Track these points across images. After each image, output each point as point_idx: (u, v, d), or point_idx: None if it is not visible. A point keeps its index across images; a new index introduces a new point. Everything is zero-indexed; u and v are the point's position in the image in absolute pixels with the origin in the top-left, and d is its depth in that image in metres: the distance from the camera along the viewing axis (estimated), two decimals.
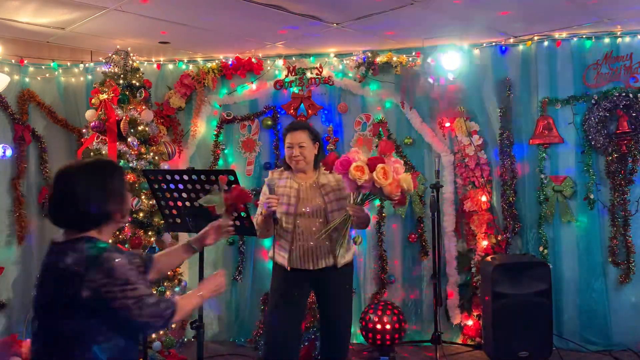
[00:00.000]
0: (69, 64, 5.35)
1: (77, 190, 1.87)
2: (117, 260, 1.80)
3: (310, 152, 3.29)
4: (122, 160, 4.41)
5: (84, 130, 4.80)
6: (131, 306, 1.77)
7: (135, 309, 1.77)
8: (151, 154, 4.61)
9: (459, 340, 4.92)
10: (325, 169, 3.23)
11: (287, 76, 5.18)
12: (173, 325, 4.50)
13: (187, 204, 2.77)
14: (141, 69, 4.75)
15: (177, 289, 4.58)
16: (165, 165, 4.93)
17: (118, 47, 4.63)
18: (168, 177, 2.76)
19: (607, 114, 4.56)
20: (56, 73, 5.32)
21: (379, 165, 2.81)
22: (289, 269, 3.22)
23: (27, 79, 5.16)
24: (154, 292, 4.34)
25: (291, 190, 3.24)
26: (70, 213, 1.88)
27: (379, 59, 4.99)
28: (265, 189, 3.31)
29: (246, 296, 5.17)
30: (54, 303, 1.78)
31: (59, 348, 1.78)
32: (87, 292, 1.74)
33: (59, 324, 1.78)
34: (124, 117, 4.43)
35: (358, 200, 3.07)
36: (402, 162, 3.17)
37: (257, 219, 3.20)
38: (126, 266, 1.81)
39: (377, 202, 4.98)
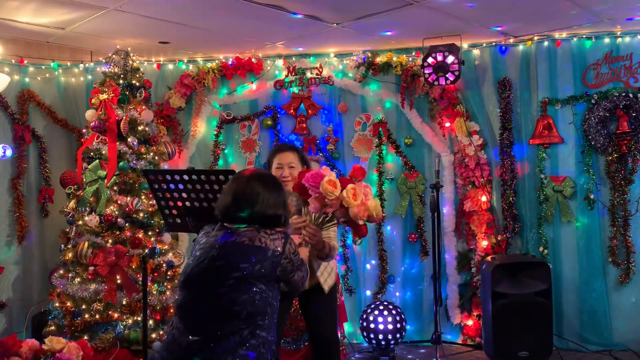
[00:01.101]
0: (69, 64, 5.35)
1: (282, 196, 2.36)
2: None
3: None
4: (122, 160, 4.41)
5: (84, 130, 4.80)
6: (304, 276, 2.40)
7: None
8: (151, 154, 4.61)
9: (459, 340, 4.92)
10: (293, 190, 2.85)
11: (287, 76, 5.18)
12: None
13: (187, 204, 2.77)
14: (141, 69, 4.75)
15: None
16: (165, 165, 4.93)
17: (118, 47, 4.62)
18: (168, 177, 2.76)
19: (607, 114, 4.56)
20: (56, 73, 5.32)
21: (350, 185, 2.67)
22: None
23: (27, 79, 5.16)
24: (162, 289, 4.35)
25: None
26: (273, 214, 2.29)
27: (379, 59, 4.99)
28: None
29: None
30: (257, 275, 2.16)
31: (246, 319, 2.10)
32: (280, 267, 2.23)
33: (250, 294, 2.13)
34: (124, 117, 4.43)
35: (319, 221, 2.75)
36: (371, 188, 2.95)
37: None
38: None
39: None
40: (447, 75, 4.58)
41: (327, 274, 3.18)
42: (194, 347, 2.05)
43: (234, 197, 2.23)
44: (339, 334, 3.36)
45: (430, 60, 4.57)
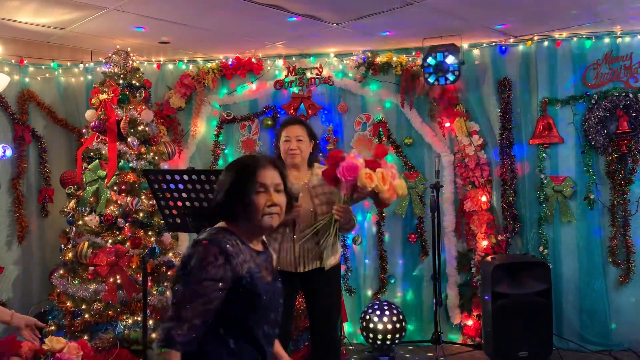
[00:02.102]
0: (69, 64, 5.35)
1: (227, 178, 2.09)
2: None
3: (306, 148, 3.20)
4: (122, 160, 4.42)
5: (84, 130, 4.80)
6: None
7: None
8: (151, 154, 4.62)
9: (459, 340, 4.92)
10: (327, 162, 3.09)
11: (287, 76, 5.18)
12: None
13: (187, 204, 2.77)
14: (141, 69, 4.76)
15: None
16: (165, 165, 4.93)
17: (118, 47, 4.63)
18: (168, 177, 2.76)
19: (607, 114, 4.56)
20: (56, 73, 5.33)
21: (379, 170, 2.83)
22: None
23: (27, 79, 5.16)
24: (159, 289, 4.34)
25: None
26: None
27: (379, 59, 4.99)
28: None
29: None
30: None
31: None
32: None
33: None
34: (124, 117, 4.43)
35: (348, 200, 3.00)
36: (395, 166, 3.14)
37: None
38: None
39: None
40: (447, 75, 4.59)
41: (332, 253, 3.20)
42: None
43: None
44: (341, 329, 3.39)
45: (430, 60, 4.57)
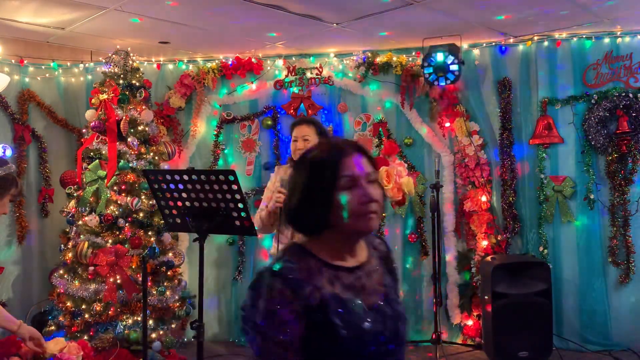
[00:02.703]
0: (69, 64, 5.35)
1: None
2: None
3: None
4: (122, 160, 4.42)
5: (84, 130, 4.80)
6: None
7: None
8: (151, 154, 4.62)
9: (459, 340, 4.92)
10: None
11: (287, 76, 5.18)
12: (173, 325, 4.50)
13: (187, 204, 2.77)
14: (141, 69, 4.75)
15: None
16: (165, 165, 4.93)
17: (118, 47, 4.62)
18: (168, 177, 2.76)
19: (607, 114, 4.56)
20: (56, 73, 5.32)
21: (383, 168, 2.85)
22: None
23: (27, 79, 5.16)
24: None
25: None
26: None
27: (379, 59, 4.99)
28: (269, 184, 3.32)
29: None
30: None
31: None
32: None
33: None
34: (124, 117, 4.43)
35: None
36: (405, 164, 3.18)
37: (260, 214, 3.18)
38: None
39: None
40: (447, 75, 4.59)
41: None
42: None
43: None
44: None
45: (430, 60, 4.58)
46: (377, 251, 1.62)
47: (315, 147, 1.56)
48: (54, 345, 3.32)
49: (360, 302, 1.45)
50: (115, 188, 4.39)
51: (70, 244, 4.44)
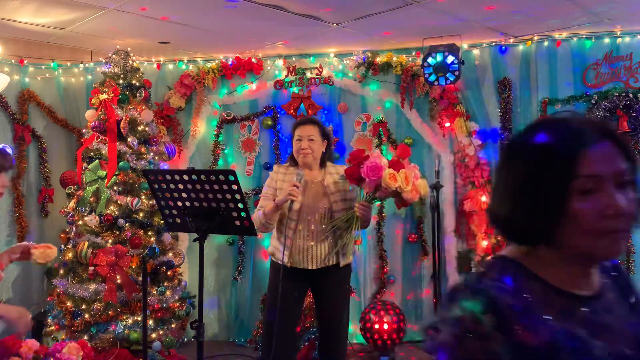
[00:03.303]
0: (69, 64, 5.35)
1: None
2: None
3: (318, 147, 3.26)
4: (122, 160, 4.42)
5: (84, 130, 4.80)
6: None
7: None
8: (151, 154, 4.62)
9: None
10: (349, 160, 3.19)
11: (287, 76, 5.18)
12: (173, 325, 4.50)
13: (187, 204, 2.77)
14: (141, 69, 4.75)
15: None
16: (165, 165, 4.93)
17: (118, 47, 4.63)
18: (168, 177, 2.76)
19: (607, 114, 4.56)
20: (56, 73, 5.32)
21: (402, 171, 2.91)
22: (289, 265, 3.21)
23: (27, 79, 5.16)
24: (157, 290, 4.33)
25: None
26: None
27: (379, 59, 4.99)
28: (269, 181, 3.33)
29: (246, 296, 5.17)
30: None
31: None
32: None
33: None
34: (124, 117, 4.43)
35: (369, 198, 3.11)
36: (418, 166, 3.19)
37: (262, 211, 3.19)
38: None
39: (377, 202, 4.98)
40: (447, 75, 4.58)
41: (350, 250, 3.28)
42: None
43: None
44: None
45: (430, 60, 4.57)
46: (609, 276, 1.15)
47: (538, 127, 1.06)
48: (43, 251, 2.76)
49: (603, 345, 1.01)
50: (115, 188, 4.39)
51: (70, 244, 4.44)
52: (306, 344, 4.39)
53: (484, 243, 4.79)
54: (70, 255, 4.36)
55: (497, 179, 1.13)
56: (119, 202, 4.36)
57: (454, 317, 1.01)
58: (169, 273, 4.49)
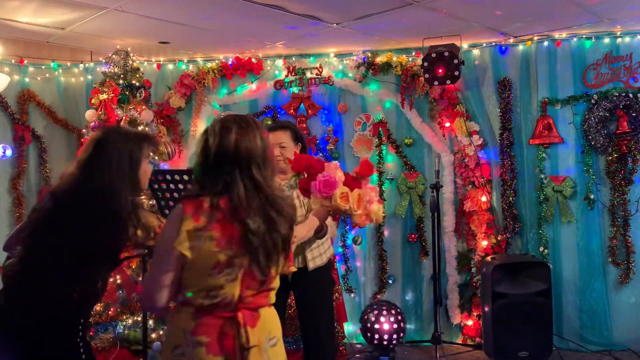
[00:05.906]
0: (69, 64, 5.35)
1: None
2: None
3: (290, 153, 3.14)
4: None
5: (84, 130, 4.80)
6: None
7: None
8: (151, 154, 4.61)
9: (459, 340, 4.91)
10: (297, 168, 2.86)
11: (287, 76, 5.18)
12: None
13: None
14: (141, 69, 4.76)
15: None
16: (165, 165, 4.93)
17: (118, 47, 4.63)
18: (168, 177, 2.76)
19: (607, 114, 4.56)
20: (56, 73, 5.32)
21: (356, 191, 2.61)
22: None
23: (27, 79, 5.16)
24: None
25: None
26: None
27: (379, 59, 4.99)
28: None
29: None
30: None
31: None
32: None
33: None
34: (124, 117, 4.44)
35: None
36: (377, 189, 2.97)
37: None
38: None
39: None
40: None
41: (318, 253, 3.12)
42: None
43: None
44: (336, 329, 3.28)
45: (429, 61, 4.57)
46: None
47: None
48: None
49: None
50: None
51: None
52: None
53: (484, 243, 4.79)
54: None
55: None
56: None
57: None
58: None
